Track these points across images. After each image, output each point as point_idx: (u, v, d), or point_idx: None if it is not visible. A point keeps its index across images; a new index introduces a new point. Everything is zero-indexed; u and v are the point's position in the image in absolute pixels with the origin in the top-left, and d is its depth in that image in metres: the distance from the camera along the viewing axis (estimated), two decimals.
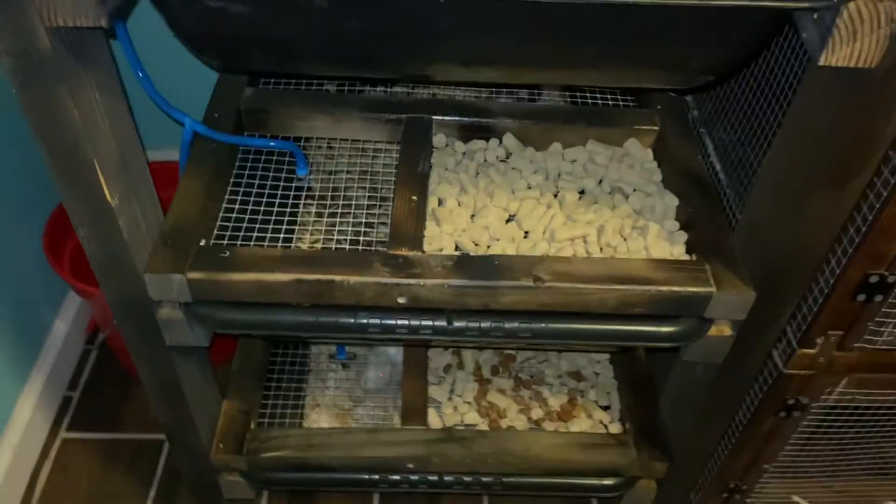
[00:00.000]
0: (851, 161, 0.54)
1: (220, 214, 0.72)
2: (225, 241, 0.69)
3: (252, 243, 0.70)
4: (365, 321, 0.68)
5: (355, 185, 0.81)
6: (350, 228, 0.75)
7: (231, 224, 0.72)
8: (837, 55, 0.47)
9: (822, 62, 0.48)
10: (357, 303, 0.66)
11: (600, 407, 0.97)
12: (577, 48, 0.52)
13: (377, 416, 0.98)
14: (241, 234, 0.71)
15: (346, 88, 0.87)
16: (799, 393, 0.80)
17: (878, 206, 0.62)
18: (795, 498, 1.01)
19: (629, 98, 0.89)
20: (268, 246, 0.70)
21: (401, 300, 0.66)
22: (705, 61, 0.53)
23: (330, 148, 0.85)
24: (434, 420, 0.94)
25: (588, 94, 0.89)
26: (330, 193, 0.80)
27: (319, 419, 0.99)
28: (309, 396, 1.01)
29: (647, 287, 0.65)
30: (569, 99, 0.90)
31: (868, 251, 0.65)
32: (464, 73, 0.60)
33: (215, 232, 0.70)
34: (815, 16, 0.48)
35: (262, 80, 0.86)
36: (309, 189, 0.80)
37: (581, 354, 1.03)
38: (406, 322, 0.68)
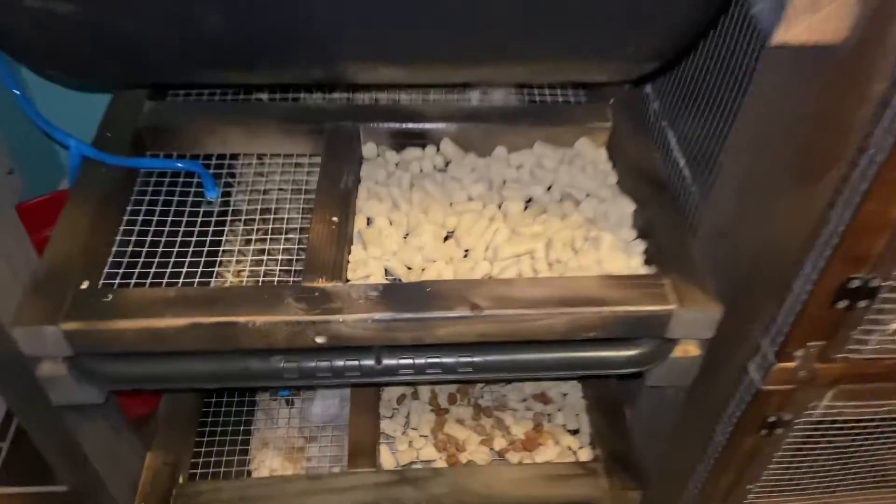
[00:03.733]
0: (822, 153, 0.46)
1: (113, 250, 0.63)
2: (116, 282, 0.60)
3: (165, 281, 0.61)
4: (280, 366, 0.59)
5: (289, 204, 0.72)
6: (282, 257, 0.66)
7: (125, 261, 0.62)
8: (795, 30, 0.39)
9: (776, 40, 0.39)
10: (268, 346, 0.57)
11: (568, 431, 0.89)
12: (492, 37, 0.43)
13: (332, 455, 0.89)
14: (139, 271, 0.62)
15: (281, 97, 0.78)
16: (780, 409, 0.72)
17: (856, 201, 0.54)
18: None
19: (581, 92, 0.80)
20: (183, 284, 0.61)
21: (319, 340, 0.57)
22: (643, 45, 0.45)
23: (261, 164, 0.76)
24: (387, 458, 0.85)
25: (536, 91, 0.81)
26: (260, 216, 0.70)
27: (267, 461, 0.89)
28: (256, 437, 0.92)
29: (599, 308, 0.56)
30: (514, 95, 0.81)
31: (847, 253, 0.57)
32: (360, 73, 0.51)
33: (105, 271, 0.61)
34: None
35: (170, 93, 0.77)
36: (236, 212, 0.71)
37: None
38: (328, 363, 0.59)
